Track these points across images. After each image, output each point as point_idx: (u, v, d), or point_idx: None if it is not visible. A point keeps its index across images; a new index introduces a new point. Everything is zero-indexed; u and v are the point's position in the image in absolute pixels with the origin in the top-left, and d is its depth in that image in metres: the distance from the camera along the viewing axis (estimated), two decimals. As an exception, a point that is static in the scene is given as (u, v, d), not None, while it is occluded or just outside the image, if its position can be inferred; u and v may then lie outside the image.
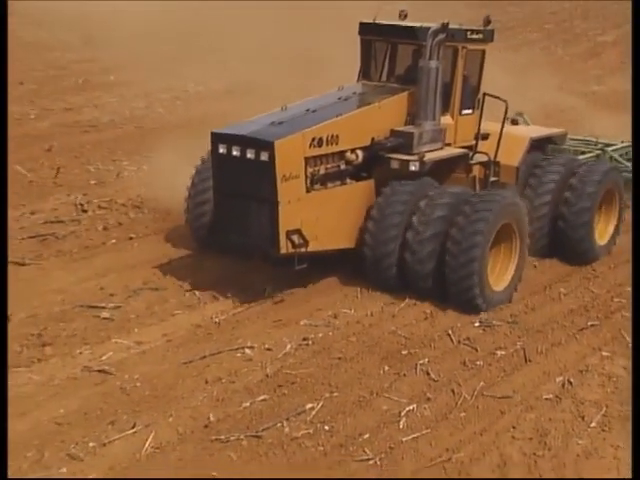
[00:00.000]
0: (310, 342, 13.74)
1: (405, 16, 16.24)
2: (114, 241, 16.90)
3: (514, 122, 19.45)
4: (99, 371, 12.42)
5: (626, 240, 18.89)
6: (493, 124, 17.67)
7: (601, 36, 54.87)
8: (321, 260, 15.27)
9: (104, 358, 12.73)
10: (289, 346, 13.54)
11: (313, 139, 14.16)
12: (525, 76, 38.56)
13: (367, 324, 14.65)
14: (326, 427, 11.60)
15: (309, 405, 12.09)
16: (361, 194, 15.38)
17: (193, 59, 31.11)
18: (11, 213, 18.54)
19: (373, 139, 15.26)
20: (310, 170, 14.40)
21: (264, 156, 13.53)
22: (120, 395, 12.04)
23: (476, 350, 14.21)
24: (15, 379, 12.07)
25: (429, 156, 15.29)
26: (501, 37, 55.38)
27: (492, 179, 16.87)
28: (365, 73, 16.92)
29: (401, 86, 16.15)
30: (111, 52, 33.09)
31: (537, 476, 10.65)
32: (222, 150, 14.12)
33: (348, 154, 15.00)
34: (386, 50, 16.67)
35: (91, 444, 10.88)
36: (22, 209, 19.01)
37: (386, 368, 13.37)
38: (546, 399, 12.65)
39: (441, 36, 15.21)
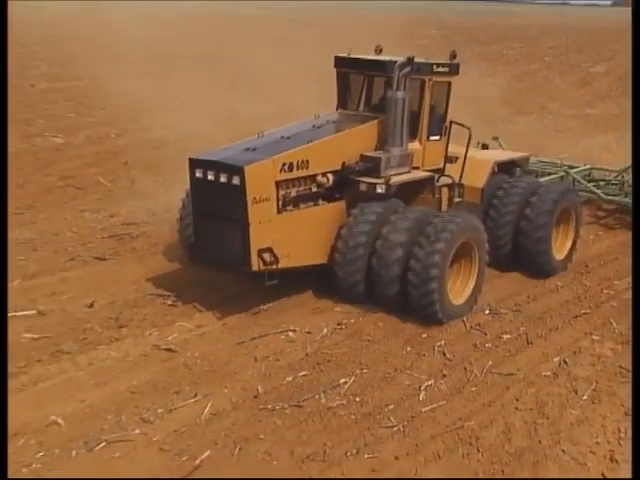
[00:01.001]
0: (343, 326, 13.76)
1: (380, 51, 15.74)
2: (177, 240, 16.92)
3: (484, 146, 18.71)
4: (166, 349, 12.55)
5: (613, 243, 19.24)
6: (462, 148, 17.09)
7: (593, 67, 54.36)
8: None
9: (170, 338, 12.87)
10: (325, 330, 13.58)
11: (284, 164, 13.54)
12: (527, 101, 38.35)
13: (392, 312, 14.63)
14: (357, 399, 11.65)
15: (343, 380, 12.14)
16: (333, 214, 14.65)
17: (239, 84, 30.80)
18: (94, 216, 19.01)
19: (344, 163, 14.64)
20: (282, 192, 13.76)
21: (235, 180, 12.96)
22: (183, 370, 12.16)
23: (485, 334, 14.28)
24: (97, 355, 12.29)
25: (394, 179, 14.68)
26: (507, 68, 55.84)
27: (457, 200, 16.24)
28: (341, 103, 16.32)
29: (373, 114, 15.51)
30: (174, 79, 33.21)
31: (537, 441, 10.64)
32: (199, 174, 13.49)
33: (319, 177, 14.37)
34: (359, 82, 16.05)
35: (159, 410, 11.03)
36: (103, 213, 19.26)
37: (408, 349, 13.46)
38: (545, 376, 12.68)
39: (407, 69, 14.61)
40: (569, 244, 17.34)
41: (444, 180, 15.82)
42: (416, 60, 14.72)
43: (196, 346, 12.79)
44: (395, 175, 14.71)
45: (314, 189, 14.36)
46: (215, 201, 13.38)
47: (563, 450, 10.56)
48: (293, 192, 13.93)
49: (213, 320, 13.79)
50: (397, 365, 12.86)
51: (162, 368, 12.33)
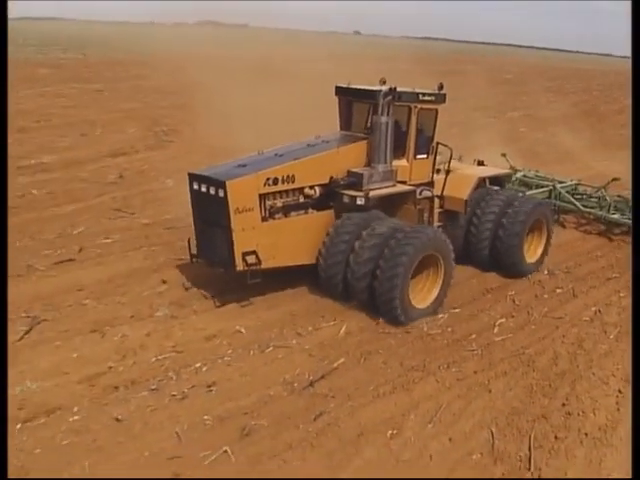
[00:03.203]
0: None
1: (384, 82, 15.62)
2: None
3: (480, 163, 19.17)
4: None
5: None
6: (458, 164, 17.67)
7: (627, 99, 57.37)
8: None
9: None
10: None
11: (268, 179, 13.91)
12: (580, 121, 41.27)
13: (480, 268, 17.19)
14: (449, 329, 14.09)
15: (440, 315, 14.67)
16: (321, 221, 14.95)
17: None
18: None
19: (332, 178, 15.00)
20: (269, 203, 14.17)
21: (221, 193, 13.40)
22: (326, 302, 14.69)
23: (543, 288, 16.74)
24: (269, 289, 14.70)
25: (374, 193, 15.00)
26: (566, 98, 61.04)
27: (437, 210, 16.71)
28: (342, 125, 16.74)
29: (364, 135, 15.80)
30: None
31: (576, 366, 12.75)
32: (195, 187, 14.03)
33: (307, 190, 14.77)
34: (354, 107, 16.42)
35: (309, 328, 13.59)
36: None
37: (488, 296, 15.98)
38: (584, 320, 14.97)
39: (389, 97, 15.01)
40: (540, 250, 17.92)
41: (425, 193, 16.33)
42: (399, 89, 15.19)
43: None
44: (377, 189, 15.19)
45: (302, 200, 14.85)
46: (208, 210, 14.01)
47: (593, 373, 12.57)
48: (279, 203, 14.41)
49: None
50: (479, 307, 15.33)
51: (313, 300, 14.86)
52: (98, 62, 53.96)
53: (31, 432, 10.12)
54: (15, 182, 23.09)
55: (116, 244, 17.43)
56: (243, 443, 10.06)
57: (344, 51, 69.25)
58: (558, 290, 16.58)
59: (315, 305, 14.70)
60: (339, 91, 16.42)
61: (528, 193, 21.36)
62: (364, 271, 14.09)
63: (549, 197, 22.29)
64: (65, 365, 11.94)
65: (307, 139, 15.90)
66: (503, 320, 14.72)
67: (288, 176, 14.31)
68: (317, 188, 14.89)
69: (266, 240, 14.01)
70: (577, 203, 22.18)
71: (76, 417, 10.53)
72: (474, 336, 13.90)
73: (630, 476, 8.99)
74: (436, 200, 16.67)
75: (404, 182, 16.03)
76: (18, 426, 10.21)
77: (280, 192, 14.40)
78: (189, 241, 14.93)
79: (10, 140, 28.40)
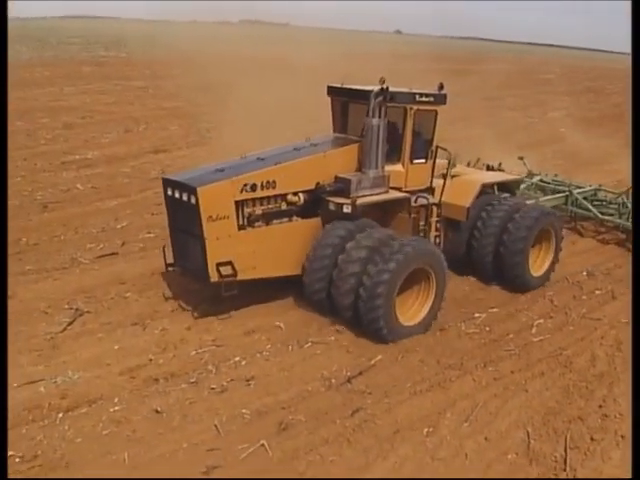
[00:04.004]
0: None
1: (383, 82, 14.21)
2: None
3: (489, 168, 18.65)
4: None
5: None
6: (463, 168, 17.25)
7: None
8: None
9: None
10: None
11: (245, 185, 13.06)
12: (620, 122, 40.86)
13: None
14: (487, 328, 14.11)
15: (477, 314, 14.71)
16: (307, 230, 14.05)
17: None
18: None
19: (318, 183, 14.10)
20: (248, 210, 13.39)
21: (193, 200, 12.59)
22: None
23: (582, 289, 16.61)
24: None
25: (362, 200, 13.98)
26: (606, 98, 60.95)
27: (434, 219, 15.68)
28: (335, 127, 15.79)
29: (357, 138, 14.78)
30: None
31: (614, 368, 12.62)
32: (169, 193, 13.26)
33: (290, 196, 13.88)
34: (347, 108, 15.40)
35: (348, 325, 13.44)
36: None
37: (526, 296, 15.93)
38: (623, 322, 14.67)
39: (380, 98, 13.99)
40: (548, 263, 16.75)
41: (421, 200, 15.20)
42: (392, 89, 14.13)
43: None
44: (366, 196, 14.19)
45: (285, 207, 13.94)
46: (182, 217, 13.21)
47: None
48: (259, 210, 13.54)
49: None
50: (518, 306, 15.33)
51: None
52: (141, 60, 54.58)
53: (73, 421, 10.31)
54: (60, 177, 23.63)
55: (158, 239, 17.47)
56: (280, 437, 10.17)
57: (370, 50, 68.62)
58: (597, 291, 16.47)
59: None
60: (332, 91, 15.48)
61: (542, 199, 20.50)
62: (348, 288, 13.25)
63: (565, 203, 21.27)
64: (106, 357, 12.16)
65: (296, 142, 15.00)
66: (541, 320, 14.70)
67: (268, 182, 13.47)
68: (302, 194, 14.03)
69: (244, 250, 13.20)
70: (594, 210, 20.88)
71: (117, 408, 10.71)
72: (511, 336, 13.88)
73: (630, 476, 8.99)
74: (434, 208, 15.63)
75: (399, 189, 15.01)
76: (60, 415, 10.43)
77: (260, 199, 13.57)
78: (164, 249, 14.30)
79: (55, 135, 28.98)
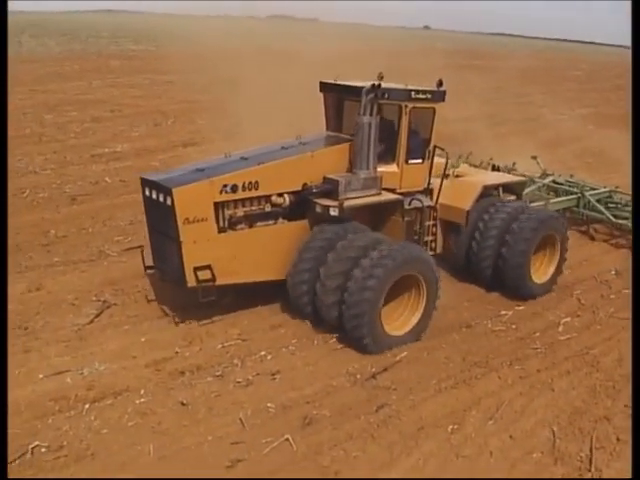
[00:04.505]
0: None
1: (381, 78, 13.59)
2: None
3: (494, 168, 18.22)
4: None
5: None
6: (467, 168, 16.94)
7: None
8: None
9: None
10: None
11: (225, 185, 12.43)
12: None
13: None
14: (513, 326, 14.10)
15: (504, 312, 14.71)
16: (293, 233, 13.45)
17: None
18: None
19: (305, 184, 13.49)
20: (228, 212, 12.77)
21: (168, 201, 11.99)
22: None
23: (610, 288, 16.53)
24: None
25: (350, 202, 13.36)
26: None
27: (429, 222, 15.05)
28: (327, 125, 15.18)
29: (348, 137, 14.13)
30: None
31: None
32: (147, 193, 12.68)
33: (275, 198, 13.23)
34: (339, 106, 14.82)
35: None
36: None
37: (553, 295, 15.84)
38: None
39: (372, 95, 13.34)
40: (552, 269, 16.01)
41: (415, 203, 14.55)
42: (385, 86, 13.54)
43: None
44: (356, 198, 13.58)
45: (269, 209, 13.31)
46: (159, 219, 12.67)
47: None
48: (241, 212, 12.94)
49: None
50: (544, 305, 15.27)
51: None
52: (170, 54, 54.66)
53: (98, 412, 10.40)
54: (89, 169, 23.78)
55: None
56: (304, 432, 10.20)
57: (399, 46, 68.30)
58: (625, 291, 16.18)
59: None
60: (324, 88, 14.89)
61: (552, 201, 19.73)
62: (332, 300, 12.72)
63: (577, 206, 20.43)
64: (133, 349, 12.26)
65: (285, 140, 14.37)
66: (568, 319, 14.65)
67: (250, 182, 12.81)
68: (287, 196, 13.37)
69: (225, 253, 12.62)
70: (607, 212, 20.00)
71: (142, 400, 10.79)
72: (538, 334, 13.86)
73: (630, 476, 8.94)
74: (430, 211, 14.96)
75: (393, 190, 14.30)
76: (87, 406, 10.52)
77: (242, 200, 12.93)
78: (142, 251, 13.92)
79: (84, 129, 29.17)
